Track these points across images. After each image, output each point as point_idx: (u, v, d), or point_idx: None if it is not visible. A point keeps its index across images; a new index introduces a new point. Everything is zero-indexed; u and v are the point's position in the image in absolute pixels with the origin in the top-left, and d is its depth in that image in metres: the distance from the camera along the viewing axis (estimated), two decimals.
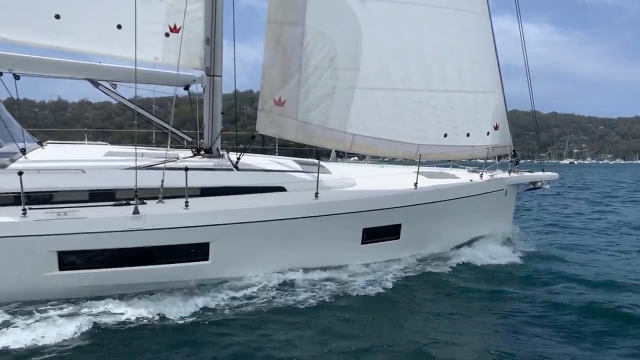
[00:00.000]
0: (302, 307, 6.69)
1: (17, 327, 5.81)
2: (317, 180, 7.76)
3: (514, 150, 10.74)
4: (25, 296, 6.46)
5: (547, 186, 11.02)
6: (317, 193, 7.73)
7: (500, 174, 10.43)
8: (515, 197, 10.89)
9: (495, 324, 6.56)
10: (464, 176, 10.19)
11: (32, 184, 6.63)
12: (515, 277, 8.53)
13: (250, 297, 6.91)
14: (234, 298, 6.86)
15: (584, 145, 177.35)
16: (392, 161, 13.46)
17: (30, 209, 6.46)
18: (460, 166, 11.12)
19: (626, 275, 8.85)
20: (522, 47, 10.25)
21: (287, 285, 7.34)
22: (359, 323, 6.26)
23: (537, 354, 5.53)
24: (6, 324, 5.88)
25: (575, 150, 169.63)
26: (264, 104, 8.15)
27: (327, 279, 7.62)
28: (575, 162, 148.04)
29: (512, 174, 10.51)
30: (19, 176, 6.30)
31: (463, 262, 8.98)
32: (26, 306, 6.30)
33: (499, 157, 10.90)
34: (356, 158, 11.76)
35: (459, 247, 9.56)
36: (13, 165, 7.03)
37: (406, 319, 6.56)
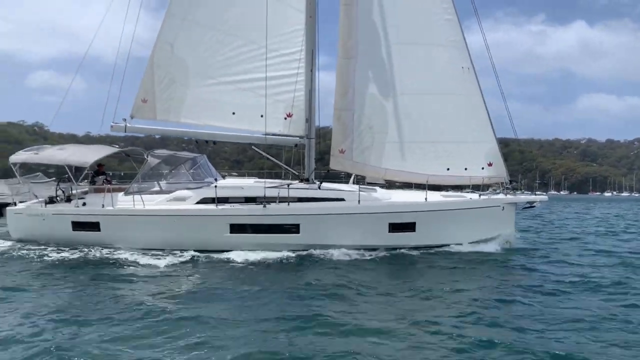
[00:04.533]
0: (341, 261, 12.87)
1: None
2: (359, 194, 14.03)
3: (510, 180, 15.67)
4: (214, 246, 13.70)
5: (538, 204, 15.64)
6: (359, 200, 13.99)
7: (498, 196, 15.40)
8: (514, 212, 15.56)
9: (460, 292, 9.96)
10: (470, 196, 15.40)
11: (219, 193, 14.05)
12: (488, 263, 13.14)
13: (323, 257, 13.26)
14: (312, 254, 13.35)
15: None
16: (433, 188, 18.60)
17: (218, 204, 13.89)
18: (475, 191, 16.17)
19: None
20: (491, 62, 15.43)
21: (341, 252, 13.50)
22: (372, 276, 11.89)
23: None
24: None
25: None
26: (333, 151, 14.94)
27: (360, 251, 13.68)
28: None
29: (508, 196, 15.38)
30: (214, 188, 13.82)
31: (457, 250, 14.16)
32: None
33: (502, 185, 15.81)
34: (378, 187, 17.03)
35: (462, 242, 14.68)
36: (212, 186, 14.64)
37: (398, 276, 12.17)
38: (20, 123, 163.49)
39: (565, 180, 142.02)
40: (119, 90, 14.92)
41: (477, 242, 14.72)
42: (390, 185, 16.90)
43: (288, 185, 14.03)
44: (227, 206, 13.91)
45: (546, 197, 15.99)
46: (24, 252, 13.27)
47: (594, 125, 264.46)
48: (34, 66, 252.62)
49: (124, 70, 15.04)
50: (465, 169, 15.10)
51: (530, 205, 15.72)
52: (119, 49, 15.23)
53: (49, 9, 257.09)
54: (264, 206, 13.73)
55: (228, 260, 12.76)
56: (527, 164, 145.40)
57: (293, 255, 13.26)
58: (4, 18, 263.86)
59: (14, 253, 13.20)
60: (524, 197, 15.68)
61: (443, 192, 15.87)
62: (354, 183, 15.83)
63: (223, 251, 13.38)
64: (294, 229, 13.79)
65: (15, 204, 14.96)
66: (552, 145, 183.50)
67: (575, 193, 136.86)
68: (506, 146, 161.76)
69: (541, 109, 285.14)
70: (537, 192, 17.33)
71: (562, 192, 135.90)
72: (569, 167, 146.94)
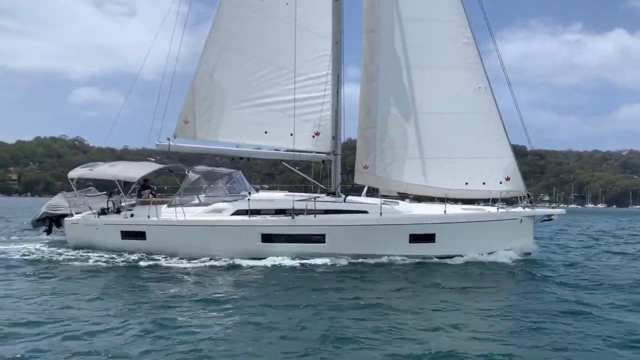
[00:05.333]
0: (364, 268, 13.93)
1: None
2: (381, 207, 15.07)
3: (528, 194, 16.35)
4: (249, 254, 14.94)
5: (556, 217, 16.25)
6: (381, 213, 15.02)
7: (515, 209, 16.09)
8: (532, 224, 16.17)
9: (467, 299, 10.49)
10: (489, 209, 16.16)
11: (252, 206, 15.34)
12: (503, 273, 13.78)
13: (345, 265, 14.36)
14: (338, 265, 14.42)
15: None
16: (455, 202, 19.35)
17: (251, 215, 15.19)
18: (494, 204, 16.87)
19: None
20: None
21: (365, 260, 14.58)
22: (388, 286, 13.06)
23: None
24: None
25: None
26: (358, 167, 16.08)
27: (380, 260, 14.67)
28: None
29: (526, 209, 16.06)
30: (247, 201, 15.15)
31: (476, 260, 14.90)
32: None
33: (521, 199, 16.48)
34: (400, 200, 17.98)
35: (480, 252, 15.43)
36: (246, 199, 15.95)
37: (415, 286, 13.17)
38: (62, 138, 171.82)
39: (605, 193, 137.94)
40: (164, 106, 16.61)
41: (495, 252, 15.45)
42: (419, 199, 17.90)
43: (315, 199, 15.21)
44: (259, 217, 15.20)
45: (563, 210, 16.58)
46: (81, 257, 14.91)
47: (636, 136, 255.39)
48: (77, 83, 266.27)
49: (162, 87, 16.72)
50: (484, 183, 15.92)
51: (548, 218, 16.34)
52: (165, 68, 16.97)
53: (90, 28, 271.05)
54: (293, 217, 14.94)
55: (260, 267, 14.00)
56: (565, 176, 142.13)
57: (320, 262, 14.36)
58: (50, 39, 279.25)
59: (72, 258, 14.83)
60: (541, 210, 16.33)
61: (463, 205, 16.71)
62: (366, 195, 16.90)
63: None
64: (320, 238, 14.92)
65: (72, 215, 16.71)
66: (591, 157, 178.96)
67: (614, 206, 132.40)
68: (542, 158, 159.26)
69: (580, 120, 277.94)
70: (567, 205, 17.79)
71: (599, 205, 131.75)
72: (608, 179, 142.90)
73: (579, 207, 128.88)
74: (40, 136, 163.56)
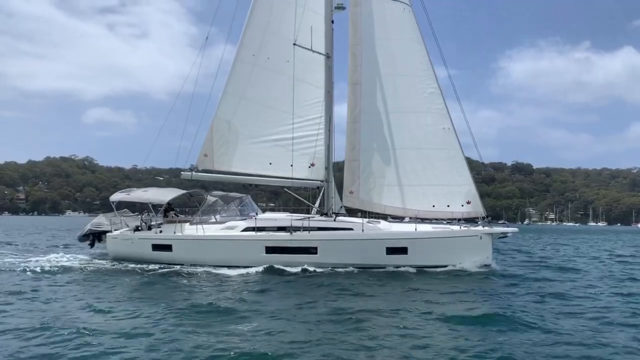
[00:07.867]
0: (350, 275, 17.36)
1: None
2: (363, 225, 18.53)
3: (487, 214, 19.72)
4: (255, 263, 18.43)
5: (510, 235, 19.57)
6: (362, 230, 18.48)
7: (476, 227, 19.43)
8: (491, 241, 19.48)
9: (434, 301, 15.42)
10: (453, 227, 19.52)
11: (258, 224, 18.91)
12: (467, 279, 17.23)
13: (334, 272, 17.79)
14: (330, 270, 17.85)
15: None
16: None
17: (257, 231, 18.75)
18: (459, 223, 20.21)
19: None
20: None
21: (349, 270, 18.00)
22: (369, 290, 16.45)
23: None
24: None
25: None
26: (345, 192, 19.66)
27: (363, 270, 18.07)
28: None
29: (485, 228, 19.39)
30: (255, 220, 18.74)
31: (440, 270, 18.21)
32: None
33: (483, 218, 19.82)
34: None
35: (445, 264, 18.73)
36: (253, 218, 19.52)
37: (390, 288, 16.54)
38: (72, 157, 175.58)
39: (609, 211, 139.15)
40: (177, 126, 20.40)
41: (459, 263, 18.76)
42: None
43: (309, 218, 18.77)
44: (264, 233, 18.76)
45: (516, 229, 19.92)
46: (121, 266, 18.55)
47: None
48: (89, 104, 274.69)
49: (174, 107, 20.66)
50: (448, 206, 19.37)
51: (504, 235, 19.68)
52: (194, 90, 20.82)
53: (103, 50, 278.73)
54: (291, 233, 18.47)
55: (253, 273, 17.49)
56: (570, 194, 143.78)
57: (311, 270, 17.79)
58: (63, 61, 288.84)
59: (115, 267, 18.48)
60: (498, 229, 19.67)
61: (433, 224, 20.13)
62: (334, 214, 20.22)
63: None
64: (313, 250, 18.41)
65: (112, 231, 20.43)
66: (599, 174, 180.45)
67: (618, 224, 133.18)
68: (548, 176, 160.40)
69: (591, 138, 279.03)
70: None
71: (599, 224, 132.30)
72: (613, 197, 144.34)
73: (576, 224, 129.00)
74: (51, 156, 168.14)
